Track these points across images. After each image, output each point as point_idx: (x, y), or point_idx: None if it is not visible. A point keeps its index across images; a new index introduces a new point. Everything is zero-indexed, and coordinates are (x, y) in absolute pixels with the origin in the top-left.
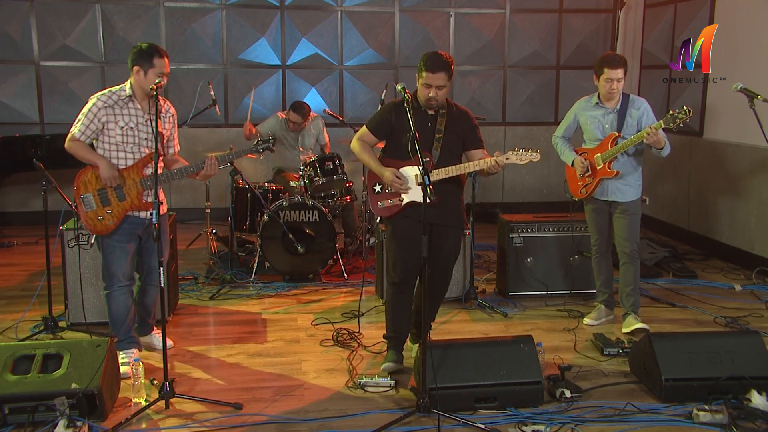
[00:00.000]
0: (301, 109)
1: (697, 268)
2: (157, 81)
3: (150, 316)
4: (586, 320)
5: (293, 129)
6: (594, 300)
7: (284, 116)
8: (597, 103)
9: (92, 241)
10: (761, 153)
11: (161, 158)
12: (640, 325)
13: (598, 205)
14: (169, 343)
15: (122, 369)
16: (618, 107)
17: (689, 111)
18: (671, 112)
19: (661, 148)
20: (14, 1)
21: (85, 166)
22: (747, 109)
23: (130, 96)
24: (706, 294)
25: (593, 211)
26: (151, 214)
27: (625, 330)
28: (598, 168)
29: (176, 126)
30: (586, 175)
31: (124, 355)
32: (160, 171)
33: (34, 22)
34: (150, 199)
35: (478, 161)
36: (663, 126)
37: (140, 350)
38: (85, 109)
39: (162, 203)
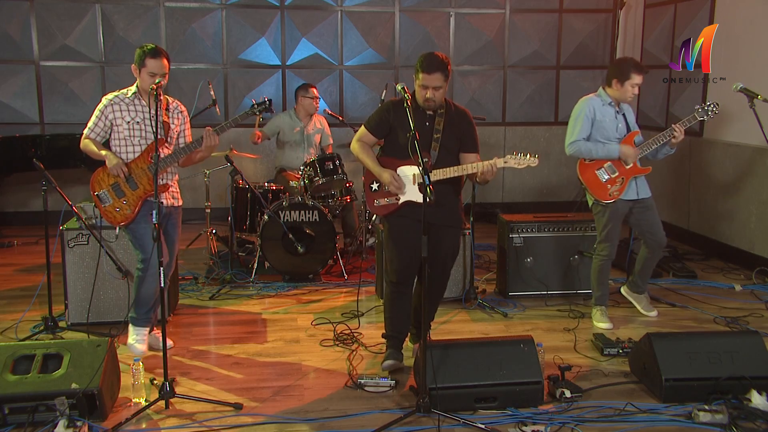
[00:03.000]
0: (305, 85)
1: (697, 268)
2: (157, 81)
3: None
4: (603, 325)
5: (310, 109)
6: (595, 305)
7: (295, 108)
8: (610, 102)
9: (117, 232)
10: (761, 153)
11: (167, 148)
12: (653, 312)
13: (622, 208)
14: (169, 343)
15: (137, 346)
16: (620, 108)
17: (717, 104)
18: (699, 107)
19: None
20: (14, 1)
21: (91, 168)
22: (747, 109)
23: (135, 94)
24: (706, 294)
25: (617, 216)
26: (158, 205)
27: (647, 312)
28: (628, 167)
29: (188, 123)
30: (614, 176)
31: (135, 334)
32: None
33: (34, 22)
34: (162, 182)
35: (476, 164)
36: (697, 119)
37: (151, 331)
38: (96, 110)
39: (175, 192)
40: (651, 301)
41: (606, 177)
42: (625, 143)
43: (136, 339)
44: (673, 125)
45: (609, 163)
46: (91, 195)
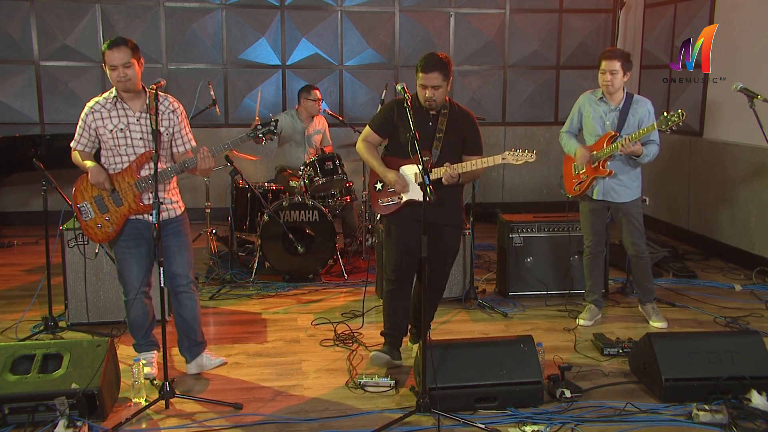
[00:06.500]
0: (307, 87)
1: (697, 268)
2: (157, 80)
3: (196, 335)
4: (581, 321)
5: (313, 111)
6: (584, 300)
7: (297, 108)
8: (601, 98)
9: (96, 251)
10: (761, 153)
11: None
12: (661, 323)
13: (596, 205)
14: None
15: (146, 369)
16: (621, 105)
17: (682, 114)
18: (665, 114)
19: (638, 157)
20: (14, 1)
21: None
22: (747, 109)
23: (116, 97)
24: (706, 294)
25: (590, 211)
26: (152, 214)
27: (653, 323)
28: (592, 166)
29: (186, 121)
30: (581, 172)
31: (144, 360)
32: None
33: (34, 22)
34: (148, 202)
35: (474, 160)
36: (656, 128)
37: (158, 352)
38: (79, 119)
39: (176, 203)
40: (656, 303)
41: (576, 172)
42: (597, 145)
43: (144, 364)
44: (625, 136)
45: (590, 153)
46: (73, 205)
